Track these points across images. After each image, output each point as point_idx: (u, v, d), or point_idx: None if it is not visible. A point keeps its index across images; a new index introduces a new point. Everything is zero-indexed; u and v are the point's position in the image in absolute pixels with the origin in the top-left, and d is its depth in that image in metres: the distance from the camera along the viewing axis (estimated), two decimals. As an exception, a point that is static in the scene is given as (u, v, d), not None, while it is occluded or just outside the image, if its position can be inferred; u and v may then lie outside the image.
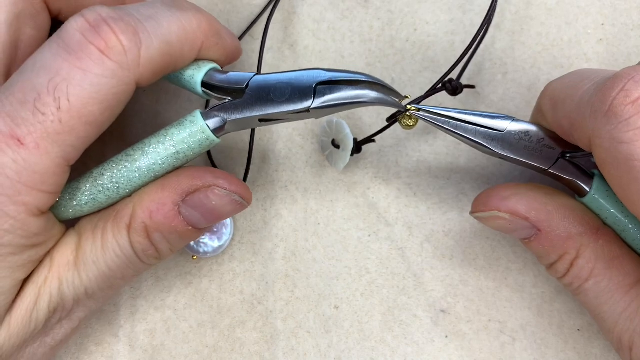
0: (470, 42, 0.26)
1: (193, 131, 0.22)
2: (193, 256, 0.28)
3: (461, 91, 0.26)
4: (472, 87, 0.27)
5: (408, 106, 0.24)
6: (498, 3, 0.28)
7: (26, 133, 0.19)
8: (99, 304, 0.24)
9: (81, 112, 0.20)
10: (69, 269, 0.22)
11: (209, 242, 0.27)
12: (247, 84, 0.23)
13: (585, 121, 0.19)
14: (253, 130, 0.28)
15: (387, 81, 0.29)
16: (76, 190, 0.22)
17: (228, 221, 0.27)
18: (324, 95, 0.22)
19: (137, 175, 0.22)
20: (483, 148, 0.23)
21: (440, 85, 0.26)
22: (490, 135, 0.23)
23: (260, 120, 0.23)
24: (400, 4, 0.29)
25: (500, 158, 0.23)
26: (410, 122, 0.24)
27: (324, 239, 0.28)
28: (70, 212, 0.23)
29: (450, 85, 0.26)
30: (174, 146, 0.22)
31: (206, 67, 0.23)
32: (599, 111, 0.19)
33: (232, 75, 0.23)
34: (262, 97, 0.23)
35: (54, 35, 0.20)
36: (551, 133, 0.23)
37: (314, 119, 0.26)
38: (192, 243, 0.27)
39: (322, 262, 0.28)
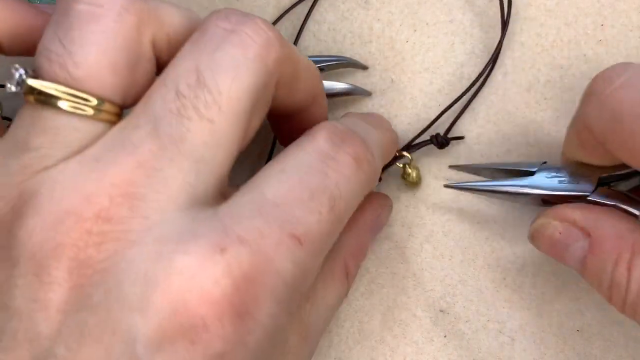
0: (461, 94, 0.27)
1: None
2: None
3: (448, 145, 0.27)
4: (461, 138, 0.28)
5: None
6: (498, 4, 0.28)
7: (304, 233, 0.17)
8: None
9: (345, 214, 0.19)
10: (302, 346, 0.21)
11: None
12: None
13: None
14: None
15: (387, 82, 0.29)
16: None
17: None
18: None
19: None
20: (517, 197, 0.24)
21: (427, 139, 0.27)
22: (522, 183, 0.23)
23: None
24: (400, 5, 0.29)
25: (538, 202, 0.23)
26: (412, 178, 0.27)
27: (324, 239, 0.28)
28: None
29: (437, 141, 0.27)
30: None
31: None
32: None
33: None
34: None
35: (306, 141, 0.20)
36: (584, 164, 0.23)
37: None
38: None
39: (322, 262, 0.28)
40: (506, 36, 0.29)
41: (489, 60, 0.27)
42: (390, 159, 0.26)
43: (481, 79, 0.27)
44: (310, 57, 0.28)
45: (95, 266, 0.16)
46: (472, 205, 0.28)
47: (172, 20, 0.20)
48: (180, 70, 0.18)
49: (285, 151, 0.20)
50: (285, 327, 0.18)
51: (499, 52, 0.27)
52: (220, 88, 0.18)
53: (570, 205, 0.22)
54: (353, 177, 0.20)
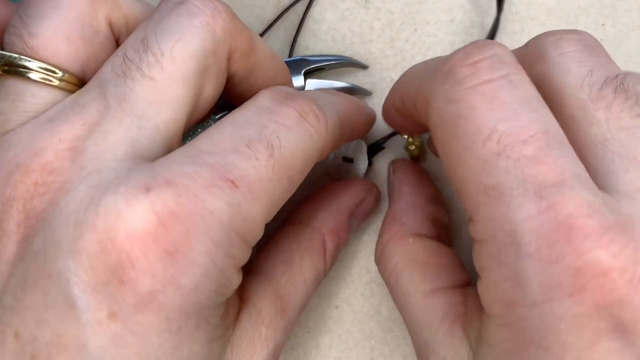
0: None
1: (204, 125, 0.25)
2: None
3: None
4: None
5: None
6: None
7: (239, 177, 0.18)
8: None
9: (288, 163, 0.19)
10: (277, 318, 0.21)
11: None
12: None
13: (423, 93, 0.19)
14: None
15: (388, 82, 0.29)
16: None
17: None
18: (311, 86, 0.28)
19: None
20: None
21: None
22: None
23: None
24: (400, 5, 0.29)
25: None
26: (414, 150, 0.27)
27: (324, 239, 0.28)
28: None
29: None
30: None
31: None
32: (439, 72, 0.18)
33: None
34: None
35: (248, 102, 0.20)
36: None
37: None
38: None
39: (322, 262, 0.28)
40: (507, 36, 0.28)
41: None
42: (357, 132, 0.25)
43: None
44: (310, 56, 0.28)
45: (37, 216, 0.17)
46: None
47: (129, 4, 0.21)
48: (130, 40, 0.19)
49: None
50: (227, 273, 0.18)
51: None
52: (163, 49, 0.19)
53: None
54: (296, 128, 0.19)
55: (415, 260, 0.22)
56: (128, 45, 0.19)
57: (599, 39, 0.28)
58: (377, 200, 0.27)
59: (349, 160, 0.28)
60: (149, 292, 0.16)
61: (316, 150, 0.20)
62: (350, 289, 0.28)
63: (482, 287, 0.17)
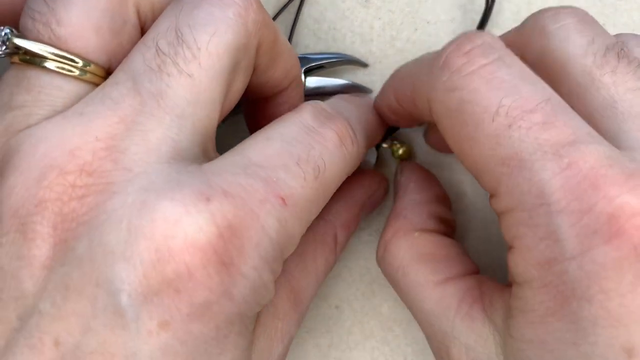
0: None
1: None
2: None
3: None
4: None
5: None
6: (498, 2, 0.28)
7: (289, 194, 0.18)
8: None
9: (328, 185, 0.20)
10: (291, 312, 0.21)
11: None
12: None
13: (422, 89, 0.20)
14: None
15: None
16: None
17: None
18: (311, 83, 0.28)
19: None
20: None
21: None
22: None
23: None
24: (400, 4, 0.29)
25: None
26: (400, 152, 0.27)
27: (324, 238, 0.28)
28: None
29: None
30: None
31: None
32: (434, 67, 0.19)
33: None
34: None
35: (291, 115, 0.20)
36: None
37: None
38: None
39: (322, 261, 0.28)
40: (507, 35, 0.28)
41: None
42: (377, 139, 0.26)
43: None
44: (310, 54, 0.28)
45: (78, 219, 0.16)
46: (477, 196, 0.28)
47: None
48: (160, 29, 0.18)
49: (271, 124, 0.20)
50: (269, 287, 0.18)
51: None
52: (199, 44, 0.18)
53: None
54: (337, 152, 0.20)
55: (422, 253, 0.22)
56: (159, 36, 0.18)
57: (599, 39, 0.28)
58: (386, 192, 0.27)
59: None
60: (204, 303, 0.16)
61: (349, 172, 0.21)
62: (350, 289, 0.28)
63: (515, 256, 0.18)
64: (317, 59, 0.28)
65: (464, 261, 0.22)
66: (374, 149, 0.28)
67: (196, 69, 0.18)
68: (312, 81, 0.28)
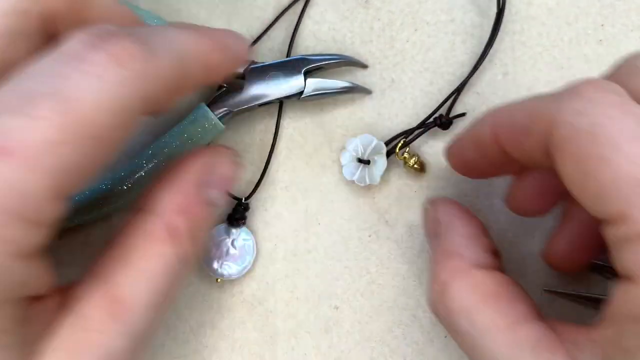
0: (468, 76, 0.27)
1: (206, 126, 0.26)
2: (217, 279, 0.28)
3: (451, 125, 0.28)
4: (463, 114, 0.28)
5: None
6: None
7: (14, 143, 0.15)
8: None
9: (90, 120, 0.16)
10: (111, 323, 0.19)
11: (233, 265, 0.28)
12: (244, 73, 0.27)
13: (543, 114, 0.19)
14: (276, 132, 0.29)
15: (387, 82, 0.29)
16: None
17: (252, 245, 0.28)
18: (311, 85, 0.28)
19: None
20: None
21: (431, 121, 0.28)
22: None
23: (259, 105, 0.28)
24: (400, 5, 0.29)
25: None
26: (411, 162, 0.27)
27: (324, 239, 0.28)
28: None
29: (440, 121, 0.27)
30: (191, 142, 0.26)
31: None
32: (563, 95, 0.19)
33: None
34: (260, 86, 0.27)
35: (52, 49, 0.18)
36: None
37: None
38: (216, 266, 0.28)
39: (322, 262, 0.28)
40: (507, 36, 0.29)
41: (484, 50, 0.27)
42: (215, 69, 0.21)
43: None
44: (310, 55, 0.28)
45: None
46: (478, 204, 0.28)
47: None
48: None
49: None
50: (9, 263, 0.16)
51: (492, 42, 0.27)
52: None
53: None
54: (107, 76, 0.17)
55: (487, 294, 0.21)
56: None
57: (598, 40, 0.28)
58: (233, 162, 0.23)
59: (365, 162, 0.28)
60: None
61: (136, 99, 0.17)
62: (350, 289, 0.28)
63: (634, 288, 0.17)
64: (316, 60, 0.28)
65: (526, 301, 0.21)
66: (384, 157, 0.27)
67: None
68: (312, 82, 0.28)
